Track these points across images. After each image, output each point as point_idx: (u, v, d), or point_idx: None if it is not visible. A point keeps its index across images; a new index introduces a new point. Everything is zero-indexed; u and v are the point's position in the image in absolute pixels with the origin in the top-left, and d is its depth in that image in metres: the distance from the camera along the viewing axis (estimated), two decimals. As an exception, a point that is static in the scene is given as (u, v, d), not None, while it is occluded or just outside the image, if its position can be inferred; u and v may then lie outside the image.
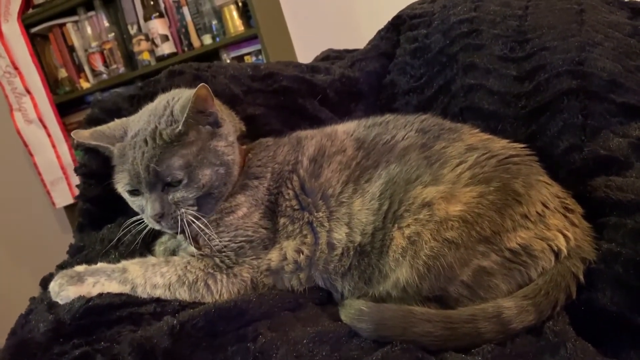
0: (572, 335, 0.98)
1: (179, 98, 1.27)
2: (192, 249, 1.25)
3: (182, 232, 1.22)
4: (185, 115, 1.18)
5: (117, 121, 1.31)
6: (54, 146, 3.65)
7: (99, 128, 1.29)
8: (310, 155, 1.32)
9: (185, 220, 1.20)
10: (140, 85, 1.62)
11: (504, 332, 1.00)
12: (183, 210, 1.21)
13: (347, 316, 1.08)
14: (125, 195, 1.26)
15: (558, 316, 1.05)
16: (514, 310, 1.01)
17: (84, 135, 1.27)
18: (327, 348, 1.00)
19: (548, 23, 1.53)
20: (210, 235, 1.22)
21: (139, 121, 1.26)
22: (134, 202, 1.25)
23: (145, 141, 1.20)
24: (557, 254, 1.09)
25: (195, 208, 1.22)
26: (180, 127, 1.19)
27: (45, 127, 3.62)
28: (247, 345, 1.00)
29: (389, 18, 1.98)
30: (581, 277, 1.08)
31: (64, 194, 3.71)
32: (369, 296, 1.16)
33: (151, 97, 1.42)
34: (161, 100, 1.30)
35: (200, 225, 1.21)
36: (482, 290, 1.07)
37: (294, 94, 1.65)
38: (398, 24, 1.86)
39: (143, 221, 1.27)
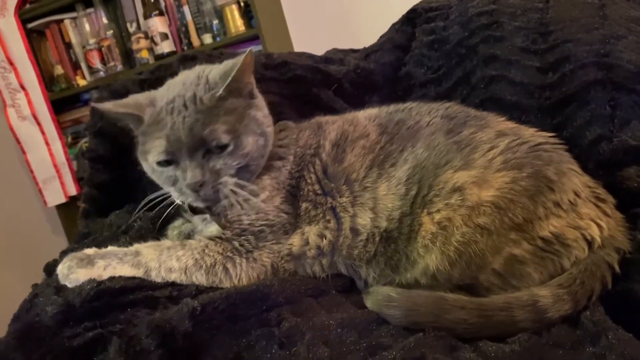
0: (612, 325, 0.94)
1: (211, 69, 1.22)
2: (210, 231, 1.20)
3: (208, 208, 1.17)
4: (231, 77, 1.13)
5: (138, 94, 1.24)
6: (47, 144, 3.57)
7: (121, 100, 1.22)
8: (333, 140, 1.28)
9: (226, 191, 1.15)
10: (152, 70, 1.57)
11: (540, 321, 0.96)
12: (226, 178, 1.15)
13: (375, 303, 1.03)
14: (153, 167, 1.18)
15: (594, 307, 1.00)
16: (549, 299, 0.97)
17: (106, 105, 1.19)
18: (355, 334, 0.95)
19: (570, 16, 1.50)
20: (247, 210, 1.17)
21: (169, 90, 1.19)
22: (162, 174, 1.17)
23: (185, 106, 1.14)
24: (590, 243, 1.06)
25: (236, 179, 1.16)
26: (221, 92, 1.13)
27: (39, 124, 3.54)
28: (271, 329, 0.95)
29: (390, 19, 1.95)
30: (616, 267, 1.04)
31: (56, 193, 3.63)
32: (395, 284, 1.12)
33: (162, 81, 1.37)
34: (189, 73, 1.25)
35: (244, 195, 1.16)
36: (514, 279, 1.04)
37: (308, 84, 1.61)
38: (413, 17, 1.83)
39: (165, 198, 1.22)
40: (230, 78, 1.13)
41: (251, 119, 1.20)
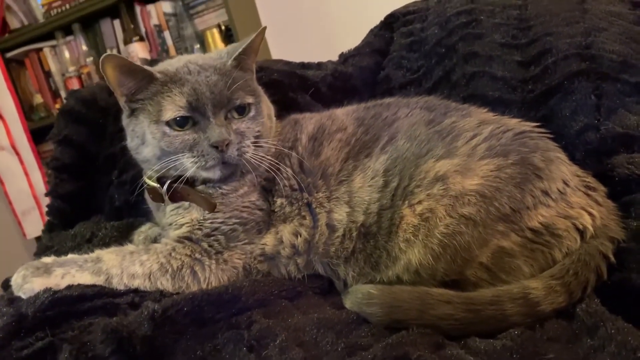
0: (610, 316, 0.87)
1: (209, 53, 1.25)
2: (181, 224, 1.13)
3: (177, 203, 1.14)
4: (242, 48, 1.14)
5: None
6: (26, 174, 3.49)
7: None
8: (310, 133, 1.23)
9: (247, 156, 1.11)
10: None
11: (533, 315, 0.89)
12: (249, 142, 1.13)
13: (354, 302, 0.96)
14: (164, 131, 1.10)
15: (589, 299, 0.93)
16: (541, 291, 0.91)
17: (119, 58, 1.09)
18: (332, 335, 0.87)
19: (550, 11, 1.48)
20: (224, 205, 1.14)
21: (172, 63, 1.18)
22: (177, 137, 1.09)
23: (203, 68, 1.12)
24: (582, 233, 0.99)
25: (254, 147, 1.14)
26: (231, 60, 1.14)
27: (18, 154, 3.47)
28: (240, 332, 0.87)
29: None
30: (611, 257, 0.98)
31: (36, 225, 3.52)
32: (376, 282, 1.04)
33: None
34: (182, 57, 1.24)
35: (271, 160, 1.14)
36: (503, 273, 0.97)
37: (285, 88, 1.56)
38: (391, 22, 1.80)
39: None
40: (241, 49, 1.14)
41: (262, 95, 1.21)
